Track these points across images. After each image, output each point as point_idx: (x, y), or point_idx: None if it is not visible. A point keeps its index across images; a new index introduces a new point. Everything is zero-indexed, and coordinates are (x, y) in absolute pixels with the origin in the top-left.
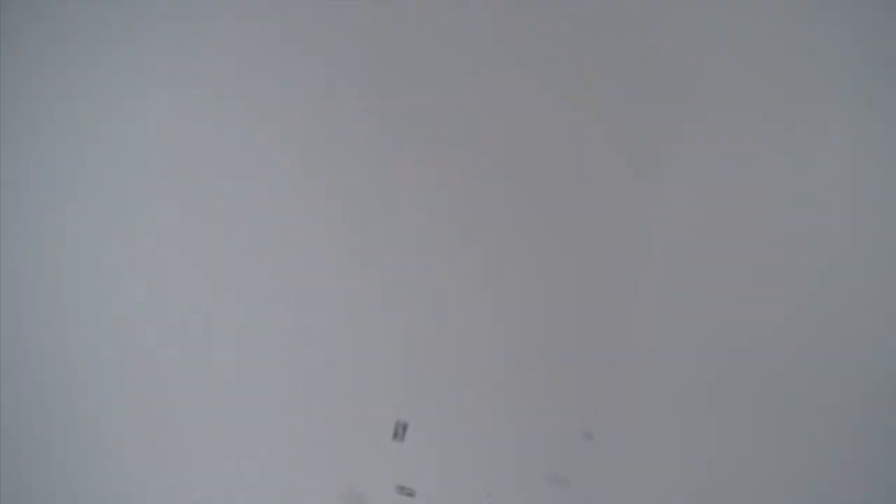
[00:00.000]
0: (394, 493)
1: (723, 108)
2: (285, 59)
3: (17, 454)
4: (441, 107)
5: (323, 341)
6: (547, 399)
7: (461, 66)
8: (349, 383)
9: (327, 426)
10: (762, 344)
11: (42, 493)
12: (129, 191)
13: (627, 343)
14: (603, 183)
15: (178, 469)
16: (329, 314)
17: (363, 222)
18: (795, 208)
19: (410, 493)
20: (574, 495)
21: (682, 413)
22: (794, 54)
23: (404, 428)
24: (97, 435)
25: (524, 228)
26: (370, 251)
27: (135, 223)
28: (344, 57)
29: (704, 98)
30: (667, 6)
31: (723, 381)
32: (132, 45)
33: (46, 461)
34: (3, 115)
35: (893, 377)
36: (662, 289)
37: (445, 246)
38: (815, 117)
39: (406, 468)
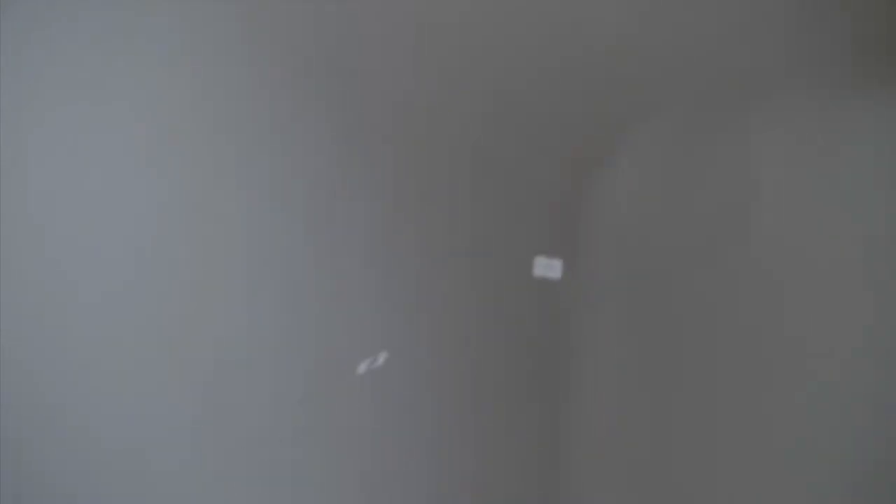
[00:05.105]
0: None
1: (680, 98)
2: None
3: None
4: (398, 103)
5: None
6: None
7: (420, 61)
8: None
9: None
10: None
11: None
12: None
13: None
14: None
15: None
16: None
17: (327, 221)
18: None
19: None
20: None
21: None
22: (754, 47)
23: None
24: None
25: (494, 220)
26: (343, 248)
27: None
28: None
29: (664, 88)
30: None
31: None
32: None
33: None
34: None
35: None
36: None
37: (415, 239)
38: (775, 109)
39: None
